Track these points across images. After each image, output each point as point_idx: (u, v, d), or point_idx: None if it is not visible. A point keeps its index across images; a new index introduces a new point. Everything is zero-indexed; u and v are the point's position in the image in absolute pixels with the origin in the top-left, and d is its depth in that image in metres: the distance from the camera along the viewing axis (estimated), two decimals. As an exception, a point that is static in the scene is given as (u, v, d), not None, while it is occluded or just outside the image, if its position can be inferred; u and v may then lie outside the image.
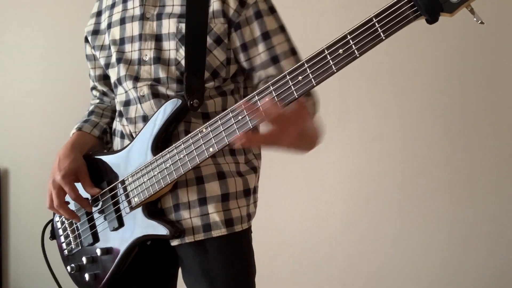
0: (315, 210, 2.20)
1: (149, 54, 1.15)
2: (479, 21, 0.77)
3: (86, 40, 1.32)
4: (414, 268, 2.19)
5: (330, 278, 2.22)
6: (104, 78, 1.34)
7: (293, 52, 1.17)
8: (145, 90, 1.15)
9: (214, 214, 1.13)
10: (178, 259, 1.23)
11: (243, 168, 1.21)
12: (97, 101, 1.40)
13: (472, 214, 2.14)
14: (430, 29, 2.15)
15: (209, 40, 1.13)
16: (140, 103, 1.16)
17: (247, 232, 1.21)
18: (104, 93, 1.38)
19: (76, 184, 1.19)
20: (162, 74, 1.14)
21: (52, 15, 2.33)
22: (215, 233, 1.13)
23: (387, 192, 2.18)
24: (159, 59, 1.14)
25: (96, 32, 1.28)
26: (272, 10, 1.17)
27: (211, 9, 1.13)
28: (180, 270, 1.26)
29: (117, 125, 1.26)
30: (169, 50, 1.14)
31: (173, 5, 1.16)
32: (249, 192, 1.21)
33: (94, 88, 1.40)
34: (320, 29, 2.15)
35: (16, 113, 2.39)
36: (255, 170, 1.24)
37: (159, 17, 1.15)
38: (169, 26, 1.14)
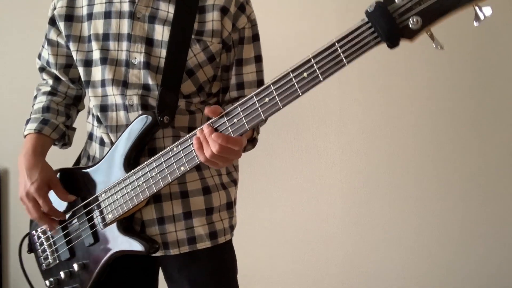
0: (315, 210, 2.20)
1: (138, 58, 1.11)
2: (438, 47, 0.78)
3: (53, 23, 1.23)
4: (414, 268, 2.19)
5: (330, 278, 2.23)
6: (66, 67, 1.26)
7: (259, 84, 1.20)
8: (134, 99, 1.12)
9: (199, 228, 1.16)
10: (159, 268, 1.25)
11: (225, 180, 1.23)
12: (49, 89, 1.30)
13: (473, 214, 2.14)
14: (431, 27, 2.14)
15: (202, 57, 1.13)
16: (127, 112, 1.14)
17: (230, 242, 1.25)
18: (57, 80, 1.30)
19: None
20: (151, 81, 1.11)
21: None
22: (200, 245, 1.16)
23: (387, 192, 2.17)
24: (148, 65, 1.11)
25: (70, 17, 1.18)
26: (254, 38, 1.19)
27: (209, 27, 1.13)
28: (160, 278, 1.29)
29: (94, 130, 1.22)
30: (160, 57, 1.12)
31: (167, 12, 1.13)
32: (231, 205, 1.24)
33: (44, 70, 1.31)
34: (318, 28, 2.14)
35: (16, 113, 2.25)
36: (235, 182, 1.27)
37: (152, 20, 1.12)
38: (163, 33, 1.11)
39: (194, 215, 1.15)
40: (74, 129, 1.34)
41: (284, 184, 2.21)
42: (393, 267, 2.20)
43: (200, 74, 1.14)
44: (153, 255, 1.16)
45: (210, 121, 0.98)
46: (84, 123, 1.32)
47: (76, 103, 1.35)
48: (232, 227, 1.24)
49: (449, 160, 2.13)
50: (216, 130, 0.97)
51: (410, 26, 0.77)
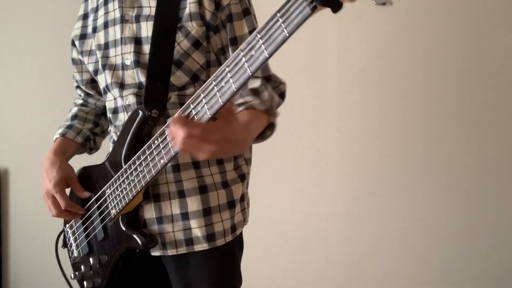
0: (315, 210, 2.18)
1: (130, 58, 1.14)
2: (381, 3, 0.66)
3: (73, 44, 1.32)
4: (414, 268, 2.16)
5: (330, 278, 2.20)
6: (91, 82, 1.35)
7: None
8: (130, 99, 1.16)
9: (196, 229, 1.13)
10: None
11: (230, 177, 1.18)
12: (81, 101, 1.41)
13: (472, 214, 2.11)
14: (431, 29, 2.05)
15: (187, 44, 1.11)
16: (126, 112, 1.17)
17: (232, 244, 1.19)
18: (88, 95, 1.40)
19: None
20: (143, 78, 1.13)
21: (52, 15, 2.36)
22: (197, 247, 1.14)
23: (387, 192, 2.14)
24: (138, 63, 1.13)
25: (83, 36, 1.27)
26: (245, 13, 1.13)
27: (187, 11, 1.10)
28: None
29: (110, 130, 1.28)
30: (148, 54, 1.12)
31: (150, 7, 1.13)
32: (234, 204, 1.18)
33: (78, 87, 1.41)
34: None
35: (16, 113, 2.43)
36: (243, 177, 1.21)
37: (138, 19, 1.14)
38: (147, 29, 1.13)
39: (192, 216, 1.13)
40: (104, 136, 1.42)
41: (284, 184, 2.20)
42: (393, 267, 2.16)
43: (190, 62, 1.12)
44: (153, 254, 1.16)
45: (181, 109, 0.93)
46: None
47: (106, 112, 1.41)
48: (234, 227, 1.18)
49: (449, 159, 2.11)
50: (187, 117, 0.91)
51: (347, -17, 0.67)
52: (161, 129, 1.00)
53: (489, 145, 2.08)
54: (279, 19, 0.75)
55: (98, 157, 1.40)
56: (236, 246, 1.21)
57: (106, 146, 1.42)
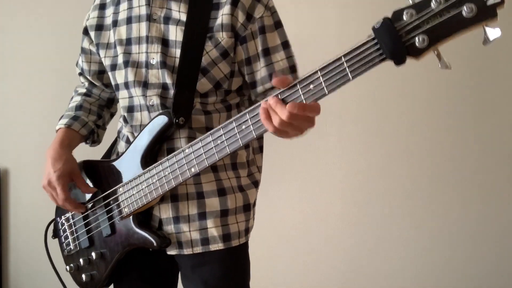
0: (315, 210, 2.21)
1: (156, 58, 1.15)
2: (444, 67, 0.76)
3: (86, 33, 1.30)
4: (414, 268, 2.19)
5: (330, 278, 2.23)
6: (99, 73, 1.34)
7: (292, 69, 1.17)
8: (154, 100, 1.16)
9: (213, 229, 1.17)
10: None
11: (244, 182, 1.23)
12: (85, 90, 1.39)
13: (472, 214, 2.14)
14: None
15: (215, 53, 1.14)
16: (149, 112, 1.18)
17: (245, 245, 1.25)
18: (93, 85, 1.38)
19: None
20: (168, 80, 1.14)
21: (52, 14, 2.31)
22: (213, 247, 1.18)
23: (387, 192, 2.17)
24: (165, 64, 1.14)
25: (100, 27, 1.26)
26: (277, 26, 1.17)
27: (219, 22, 1.13)
28: (179, 275, 1.32)
29: (123, 129, 1.28)
30: (175, 57, 1.14)
31: (179, 11, 1.15)
32: (249, 207, 1.24)
33: (82, 75, 1.39)
34: (319, 28, 2.13)
35: (16, 113, 2.40)
36: (256, 184, 1.27)
37: (166, 21, 1.15)
38: (176, 34, 1.14)
39: (209, 216, 1.17)
40: (105, 128, 1.41)
41: (284, 184, 2.21)
42: (392, 267, 2.21)
43: (215, 71, 1.15)
44: (169, 253, 1.20)
45: (277, 92, 0.91)
46: (114, 122, 1.39)
47: (109, 105, 1.42)
48: (247, 230, 1.24)
49: (448, 160, 2.14)
50: (283, 101, 0.90)
51: (417, 44, 0.76)
52: (198, 138, 1.04)
53: (490, 145, 2.11)
54: (344, 63, 0.82)
55: (97, 152, 1.41)
56: (247, 248, 1.28)
57: (105, 141, 1.42)
